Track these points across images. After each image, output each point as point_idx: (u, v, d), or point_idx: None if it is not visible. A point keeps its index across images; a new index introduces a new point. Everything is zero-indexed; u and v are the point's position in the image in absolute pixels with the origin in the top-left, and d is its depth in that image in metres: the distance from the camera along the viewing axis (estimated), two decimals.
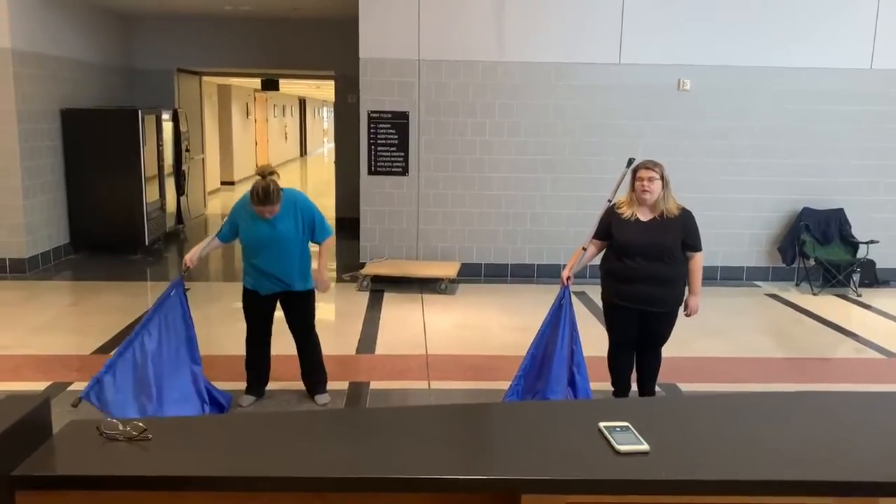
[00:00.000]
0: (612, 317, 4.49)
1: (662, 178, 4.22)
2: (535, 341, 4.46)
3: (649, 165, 4.26)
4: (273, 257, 4.49)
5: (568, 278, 4.44)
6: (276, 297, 4.64)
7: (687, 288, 4.41)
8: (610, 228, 4.37)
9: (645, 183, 4.21)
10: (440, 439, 1.93)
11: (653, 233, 4.23)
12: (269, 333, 4.76)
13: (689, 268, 4.34)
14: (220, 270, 9.13)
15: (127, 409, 4.10)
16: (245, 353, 4.78)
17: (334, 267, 8.96)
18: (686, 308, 4.41)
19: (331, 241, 4.74)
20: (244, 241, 4.56)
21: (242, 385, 4.81)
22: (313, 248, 4.69)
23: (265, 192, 4.28)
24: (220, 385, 4.78)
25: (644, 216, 4.28)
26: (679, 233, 4.25)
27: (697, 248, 4.33)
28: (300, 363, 4.82)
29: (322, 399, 4.81)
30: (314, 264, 4.72)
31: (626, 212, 4.32)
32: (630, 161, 4.45)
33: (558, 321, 4.41)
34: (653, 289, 4.25)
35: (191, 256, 4.54)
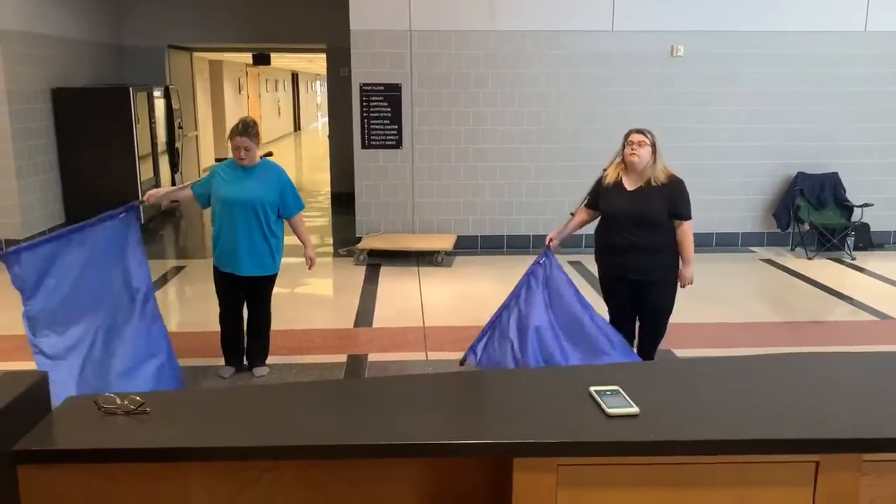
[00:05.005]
0: (607, 287, 4.50)
1: (653, 145, 4.18)
2: (507, 304, 4.41)
3: (641, 130, 4.24)
4: (239, 220, 4.44)
5: (550, 240, 4.44)
6: (244, 279, 4.59)
7: (680, 258, 4.35)
8: (598, 198, 4.37)
9: (634, 147, 4.17)
10: (434, 406, 1.97)
11: (637, 201, 4.19)
12: (242, 312, 4.76)
13: (677, 237, 4.25)
14: None
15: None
16: (220, 329, 4.79)
17: (331, 242, 8.99)
18: (679, 278, 4.35)
19: (302, 218, 4.73)
20: (214, 198, 4.50)
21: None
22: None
23: (244, 123, 4.45)
24: (210, 361, 4.85)
25: (631, 184, 4.24)
26: (664, 201, 4.18)
27: (683, 216, 4.24)
28: (247, 331, 4.79)
29: (260, 371, 4.80)
30: (305, 249, 4.74)
31: (610, 177, 4.30)
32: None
33: (547, 284, 4.36)
34: (640, 258, 4.22)
35: (153, 192, 4.46)
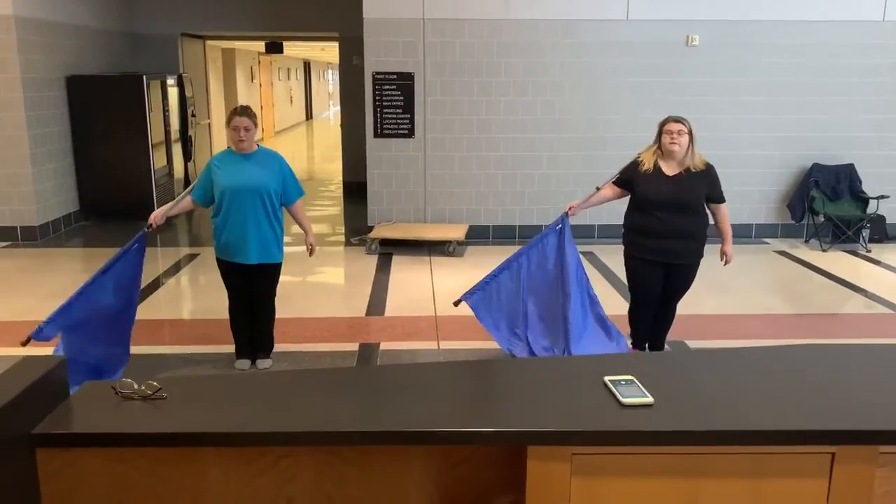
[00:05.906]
0: (636, 271, 4.52)
1: (690, 133, 4.28)
2: (511, 263, 4.62)
3: (678, 119, 4.32)
4: (242, 208, 4.42)
5: (571, 208, 4.57)
6: (249, 267, 4.55)
7: (721, 237, 4.51)
8: (632, 183, 4.43)
9: (674, 136, 4.25)
10: (449, 394, 1.97)
11: (678, 188, 4.29)
12: (253, 301, 4.72)
13: (717, 219, 4.48)
14: None
15: (72, 349, 4.19)
16: (230, 320, 4.77)
17: (343, 231, 9.00)
18: (722, 256, 4.52)
19: (302, 204, 4.73)
20: (217, 190, 4.47)
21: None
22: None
23: (242, 106, 4.55)
24: (224, 348, 4.87)
25: (670, 171, 4.33)
26: (704, 188, 4.33)
27: (722, 200, 4.44)
28: (252, 325, 4.76)
29: (264, 364, 4.77)
30: (306, 237, 4.75)
31: (647, 165, 4.36)
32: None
33: (558, 252, 4.55)
34: (677, 243, 4.33)
35: (157, 214, 4.51)
